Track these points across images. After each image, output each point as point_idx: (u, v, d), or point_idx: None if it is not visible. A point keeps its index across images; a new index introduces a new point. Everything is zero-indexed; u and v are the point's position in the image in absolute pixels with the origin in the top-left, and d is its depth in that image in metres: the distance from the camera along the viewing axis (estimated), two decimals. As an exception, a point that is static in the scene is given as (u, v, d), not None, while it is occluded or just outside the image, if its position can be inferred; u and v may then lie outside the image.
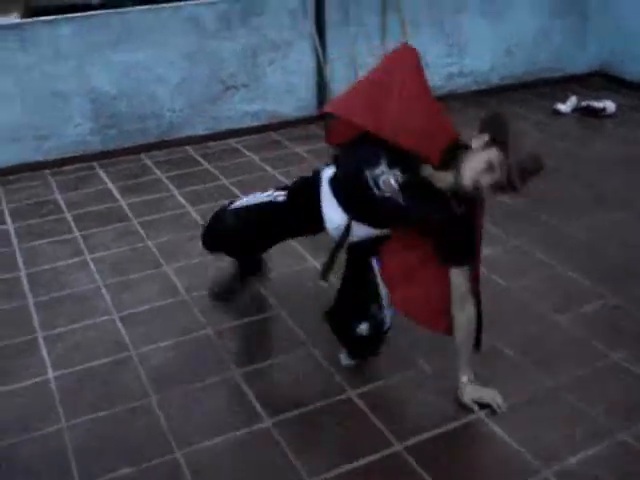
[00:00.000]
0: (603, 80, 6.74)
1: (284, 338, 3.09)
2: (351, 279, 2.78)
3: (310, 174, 2.80)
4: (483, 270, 3.48)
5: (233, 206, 2.79)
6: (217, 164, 5.04)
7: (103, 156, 5.15)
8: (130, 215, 4.31)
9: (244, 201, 2.79)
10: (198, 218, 4.20)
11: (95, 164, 5.10)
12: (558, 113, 5.96)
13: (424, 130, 2.39)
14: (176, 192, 4.61)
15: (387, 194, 2.44)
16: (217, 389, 2.78)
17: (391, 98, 2.39)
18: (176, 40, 5.14)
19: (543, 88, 6.54)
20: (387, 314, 2.70)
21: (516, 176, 2.26)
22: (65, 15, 4.79)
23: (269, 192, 2.77)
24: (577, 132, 5.58)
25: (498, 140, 2.31)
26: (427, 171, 2.44)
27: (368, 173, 2.45)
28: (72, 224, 4.25)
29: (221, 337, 3.10)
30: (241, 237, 2.74)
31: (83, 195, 4.65)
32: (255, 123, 5.58)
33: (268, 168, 4.93)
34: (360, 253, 2.72)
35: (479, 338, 2.65)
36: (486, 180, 2.31)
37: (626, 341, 2.98)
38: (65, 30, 4.81)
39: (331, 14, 5.42)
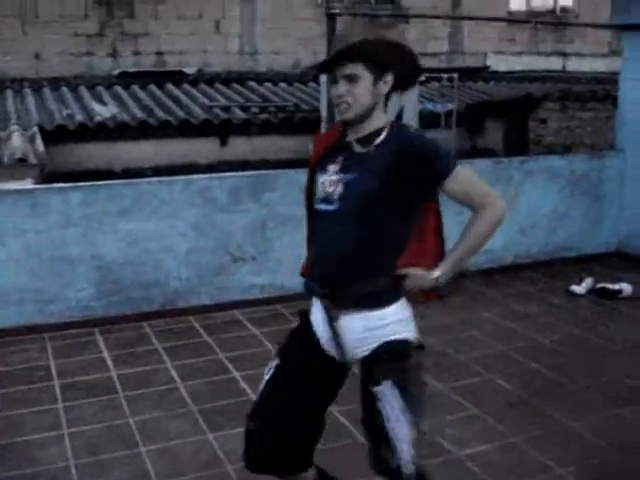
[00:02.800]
0: (620, 260, 6.66)
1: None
2: (364, 420, 2.39)
3: None
4: (476, 470, 3.28)
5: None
6: (217, 336, 4.95)
7: (104, 322, 5.10)
8: (118, 387, 4.18)
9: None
10: (186, 396, 4.05)
11: (95, 330, 5.05)
12: (573, 294, 5.83)
13: None
14: (169, 364, 4.49)
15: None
16: None
17: None
18: (186, 212, 5.22)
19: (558, 267, 6.46)
20: (405, 459, 2.27)
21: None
22: (77, 183, 4.92)
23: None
24: (591, 316, 5.41)
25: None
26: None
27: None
28: (58, 394, 4.13)
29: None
30: (273, 426, 2.41)
31: (76, 363, 4.56)
32: (262, 295, 5.54)
33: (268, 343, 4.81)
34: (364, 381, 2.36)
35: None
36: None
37: None
38: (76, 198, 4.93)
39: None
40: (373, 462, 2.37)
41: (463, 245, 2.29)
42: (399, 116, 6.88)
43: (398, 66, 2.31)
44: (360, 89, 2.26)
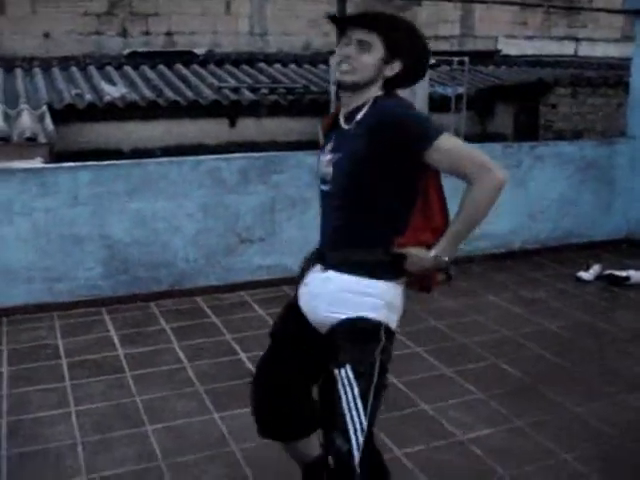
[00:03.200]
0: (629, 247, 6.65)
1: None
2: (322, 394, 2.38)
3: None
4: (479, 453, 3.28)
5: None
6: (224, 317, 4.96)
7: (112, 301, 5.13)
8: (125, 367, 4.20)
9: None
10: (193, 376, 4.07)
11: (103, 309, 5.07)
12: (580, 280, 5.82)
13: None
14: (176, 345, 4.51)
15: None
16: None
17: None
18: (195, 192, 5.22)
19: (566, 254, 6.45)
20: (354, 445, 2.18)
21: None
22: (86, 163, 4.93)
23: None
24: (598, 303, 5.40)
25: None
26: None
27: None
28: (65, 372, 4.15)
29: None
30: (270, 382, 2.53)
31: (84, 342, 4.58)
32: (269, 277, 5.55)
33: (274, 324, 4.82)
34: (328, 351, 2.30)
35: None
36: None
37: None
38: (85, 177, 4.93)
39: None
40: (325, 442, 2.31)
41: (458, 222, 2.21)
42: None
43: (410, 55, 2.28)
44: (368, 59, 2.22)
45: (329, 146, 2.35)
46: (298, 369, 2.49)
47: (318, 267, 2.35)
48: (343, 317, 2.25)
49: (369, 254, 2.26)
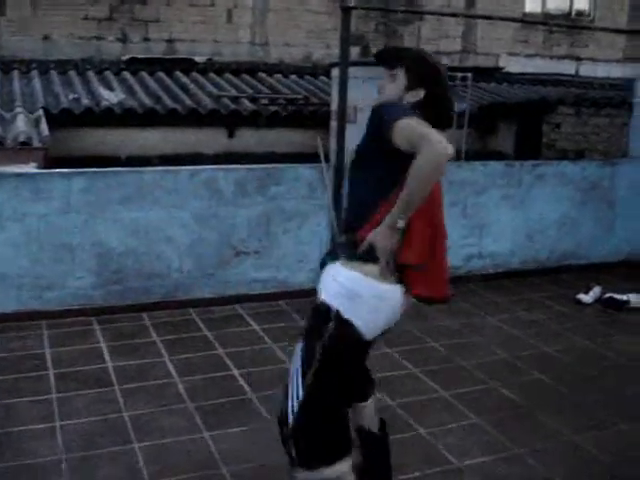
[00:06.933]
0: (629, 270, 6.56)
1: None
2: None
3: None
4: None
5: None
6: (217, 331, 4.86)
7: (102, 311, 5.02)
8: (114, 380, 4.10)
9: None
10: (183, 391, 3.97)
11: (93, 319, 4.97)
12: (580, 303, 5.74)
13: None
14: (167, 358, 4.40)
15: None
16: None
17: None
18: (191, 203, 5.13)
19: (566, 275, 6.38)
20: (290, 409, 2.45)
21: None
22: (80, 169, 4.83)
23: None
24: (597, 327, 5.31)
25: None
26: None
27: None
28: (52, 384, 4.05)
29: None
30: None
31: (72, 352, 4.47)
32: (264, 290, 5.45)
33: (268, 340, 4.72)
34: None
35: None
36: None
37: None
38: (79, 183, 4.84)
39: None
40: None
41: (404, 189, 2.32)
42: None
43: (429, 82, 2.56)
44: (392, 86, 2.59)
45: None
46: None
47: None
48: (318, 298, 2.48)
49: (348, 238, 2.49)
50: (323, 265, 2.56)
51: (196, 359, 4.41)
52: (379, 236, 2.35)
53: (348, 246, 2.46)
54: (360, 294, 2.39)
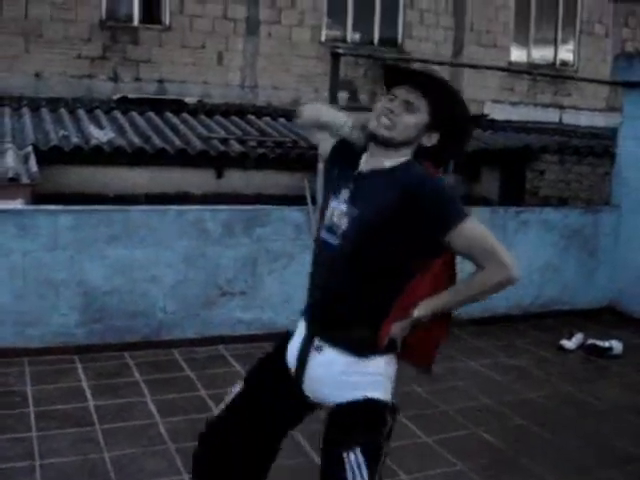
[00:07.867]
0: (611, 317, 6.62)
1: None
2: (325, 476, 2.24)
3: None
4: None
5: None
6: (200, 372, 4.83)
7: (85, 349, 4.99)
8: (95, 419, 4.06)
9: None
10: (164, 432, 3.93)
11: (75, 357, 4.93)
12: (563, 349, 5.77)
13: None
14: (149, 399, 4.37)
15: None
16: None
17: None
18: (177, 242, 5.15)
19: (549, 321, 6.40)
20: None
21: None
22: (67, 206, 4.85)
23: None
24: (581, 373, 5.34)
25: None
26: None
27: None
28: (33, 422, 4.00)
29: None
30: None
31: (54, 390, 4.43)
32: (248, 332, 5.44)
33: (251, 381, 4.70)
34: (331, 433, 2.22)
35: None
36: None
37: None
38: (65, 221, 4.85)
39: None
40: None
41: (451, 293, 2.17)
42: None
43: (451, 132, 2.21)
44: (411, 120, 2.15)
45: (345, 194, 2.21)
46: (269, 424, 2.34)
47: (315, 341, 2.23)
48: (350, 398, 2.18)
49: (370, 330, 2.16)
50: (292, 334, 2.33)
51: (178, 400, 4.39)
52: (399, 330, 2.16)
53: (360, 343, 2.18)
54: (392, 376, 2.26)
